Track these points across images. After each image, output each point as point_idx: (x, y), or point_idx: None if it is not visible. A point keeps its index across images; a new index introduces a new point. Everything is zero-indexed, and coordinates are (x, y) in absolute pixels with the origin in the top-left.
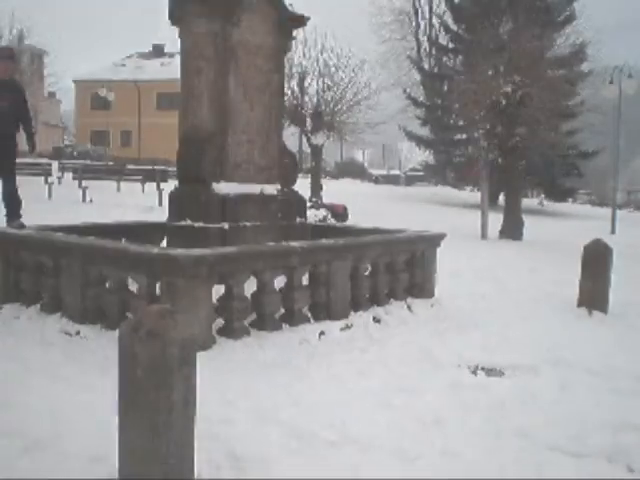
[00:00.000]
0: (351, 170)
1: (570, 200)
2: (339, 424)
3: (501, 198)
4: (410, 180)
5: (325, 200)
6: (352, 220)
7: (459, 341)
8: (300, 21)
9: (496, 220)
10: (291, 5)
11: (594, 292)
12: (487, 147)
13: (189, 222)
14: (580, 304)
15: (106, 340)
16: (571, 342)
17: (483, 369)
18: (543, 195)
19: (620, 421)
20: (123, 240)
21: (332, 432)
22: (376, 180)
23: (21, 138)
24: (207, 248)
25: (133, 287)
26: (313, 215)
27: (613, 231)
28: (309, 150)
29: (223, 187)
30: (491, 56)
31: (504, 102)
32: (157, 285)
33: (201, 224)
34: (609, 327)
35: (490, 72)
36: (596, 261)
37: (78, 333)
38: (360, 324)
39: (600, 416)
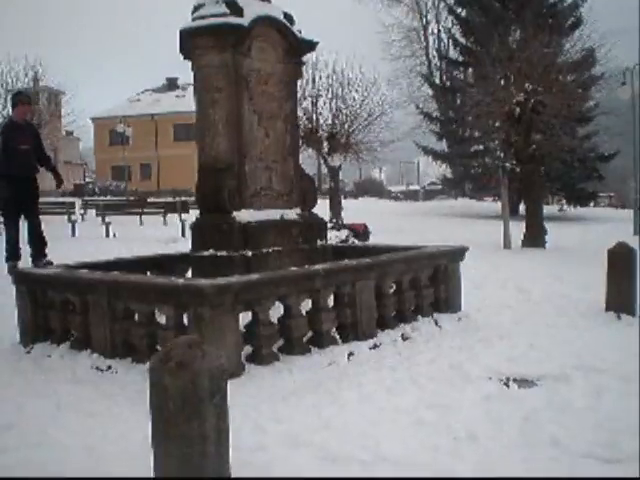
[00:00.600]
0: (370, 189)
1: (591, 204)
2: (372, 444)
3: (522, 207)
4: (429, 195)
5: (345, 220)
6: (374, 239)
7: (489, 354)
8: (310, 47)
9: (518, 229)
10: (300, 31)
11: (621, 296)
12: (504, 157)
13: (212, 252)
14: (608, 309)
15: (137, 373)
16: (601, 348)
17: (515, 380)
18: (564, 201)
19: None
20: (148, 273)
21: (366, 453)
22: (395, 197)
23: (41, 178)
24: (231, 276)
25: (161, 319)
26: (334, 236)
27: (636, 232)
28: (327, 172)
29: (244, 215)
30: (501, 66)
31: (518, 111)
32: (184, 316)
33: (224, 253)
34: (639, 330)
35: (502, 82)
36: (621, 264)
37: (109, 368)
38: (388, 343)
39: (634, 421)
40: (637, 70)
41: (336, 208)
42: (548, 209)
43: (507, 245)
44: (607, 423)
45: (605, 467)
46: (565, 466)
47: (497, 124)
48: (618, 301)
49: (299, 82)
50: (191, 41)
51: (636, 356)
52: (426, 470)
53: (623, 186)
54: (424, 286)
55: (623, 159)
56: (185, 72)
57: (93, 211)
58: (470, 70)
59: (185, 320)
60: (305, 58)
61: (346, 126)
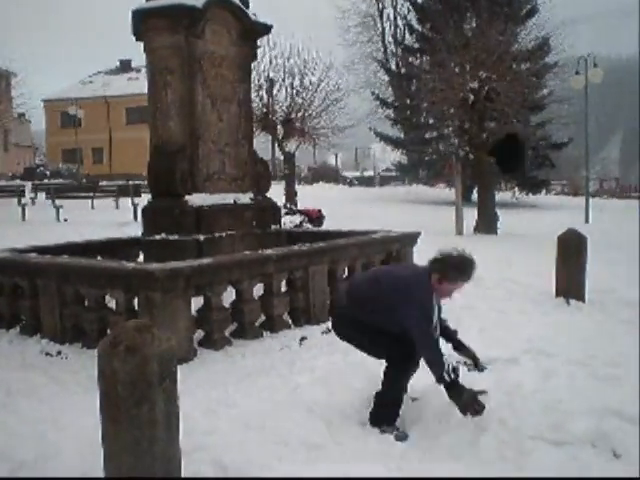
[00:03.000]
0: (325, 174)
1: (544, 191)
2: (324, 427)
3: (475, 193)
4: (384, 181)
5: (300, 205)
6: (328, 224)
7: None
8: (264, 30)
9: (471, 216)
10: (254, 14)
11: (571, 281)
12: (458, 143)
13: (164, 236)
14: (557, 294)
15: (87, 358)
16: (550, 332)
17: (465, 364)
18: (516, 188)
19: (602, 408)
20: (99, 257)
21: (318, 436)
22: (350, 183)
23: None
24: (183, 261)
25: (112, 304)
26: (289, 221)
27: (587, 220)
28: (282, 157)
29: (196, 199)
30: (456, 53)
31: (472, 98)
32: (135, 300)
33: (176, 237)
34: (587, 315)
35: (456, 69)
36: (571, 250)
37: (59, 353)
38: None
39: (582, 404)
40: (591, 59)
41: (291, 193)
42: (501, 196)
43: (459, 231)
44: (555, 406)
45: (555, 448)
46: (513, 448)
47: (451, 111)
48: (568, 287)
49: (254, 66)
50: (144, 22)
51: (585, 341)
52: (376, 452)
53: (576, 174)
54: None
55: (576, 148)
56: (139, 54)
57: (44, 195)
58: (426, 57)
59: (136, 304)
60: (260, 41)
61: (302, 111)
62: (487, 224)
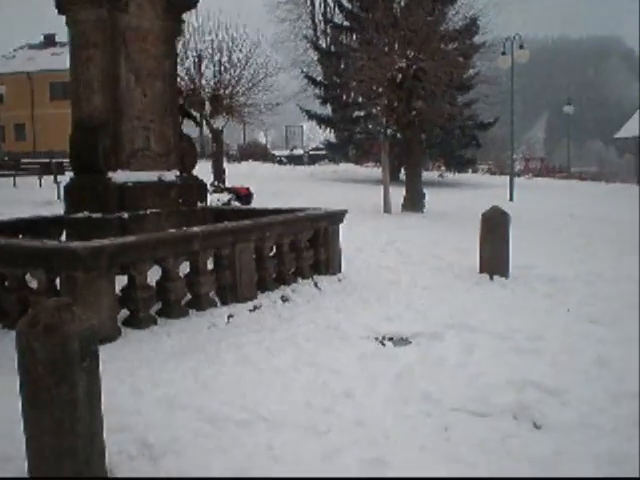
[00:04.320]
0: (254, 152)
1: (470, 170)
2: (251, 404)
3: (403, 172)
4: (313, 159)
5: (229, 183)
6: (257, 202)
7: (366, 314)
8: (190, 4)
9: (398, 194)
10: None
11: (494, 258)
12: (386, 122)
13: (87, 214)
14: (481, 270)
15: (8, 340)
16: (473, 307)
17: (390, 339)
18: (443, 167)
19: (523, 380)
20: (20, 237)
21: (244, 413)
22: (280, 161)
23: None
24: (106, 239)
25: (33, 284)
26: (216, 199)
27: (511, 198)
28: (210, 134)
29: (120, 176)
30: (385, 32)
31: (400, 77)
32: (57, 280)
33: (99, 215)
34: (510, 291)
35: (385, 48)
36: (494, 228)
37: None
38: (268, 304)
39: (503, 376)
40: (517, 40)
41: (219, 171)
42: (428, 175)
43: (387, 209)
44: (478, 379)
45: (478, 420)
46: (436, 419)
47: (380, 90)
48: (491, 263)
49: (181, 41)
50: None
51: (507, 315)
52: (302, 428)
53: (502, 154)
54: (304, 248)
55: (502, 128)
56: (63, 28)
57: None
58: (355, 35)
59: (58, 284)
60: (187, 17)
61: (229, 88)
62: (414, 202)
